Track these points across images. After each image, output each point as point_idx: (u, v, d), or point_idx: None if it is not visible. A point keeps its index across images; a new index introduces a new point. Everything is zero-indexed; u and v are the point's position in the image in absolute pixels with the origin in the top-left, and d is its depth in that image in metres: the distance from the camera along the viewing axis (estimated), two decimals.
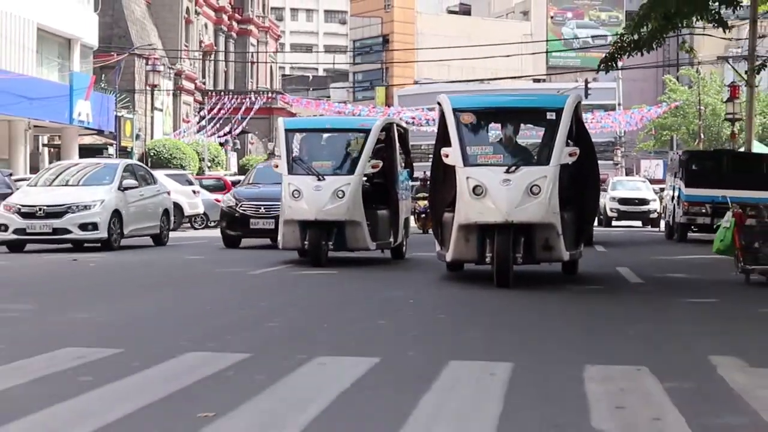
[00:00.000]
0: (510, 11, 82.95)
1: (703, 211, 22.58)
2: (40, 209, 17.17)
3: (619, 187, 36.15)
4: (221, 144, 51.18)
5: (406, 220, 15.74)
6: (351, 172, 13.61)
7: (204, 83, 55.41)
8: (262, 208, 17.68)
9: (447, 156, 10.72)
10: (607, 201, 33.23)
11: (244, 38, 60.72)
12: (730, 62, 36.37)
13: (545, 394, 4.68)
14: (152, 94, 46.13)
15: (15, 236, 17.12)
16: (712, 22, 23.33)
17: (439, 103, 11.33)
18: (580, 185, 11.43)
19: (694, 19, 23.54)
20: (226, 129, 51.21)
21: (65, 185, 18.51)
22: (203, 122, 50.38)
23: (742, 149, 32.64)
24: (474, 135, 11.09)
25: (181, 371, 5.16)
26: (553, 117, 10.87)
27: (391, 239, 14.61)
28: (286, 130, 14.10)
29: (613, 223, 34.68)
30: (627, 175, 64.78)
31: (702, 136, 48.67)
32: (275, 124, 15.22)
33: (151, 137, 46.36)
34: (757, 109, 47.30)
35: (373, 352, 5.78)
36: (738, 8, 23.01)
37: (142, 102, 46.08)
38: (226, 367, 5.26)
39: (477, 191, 10.26)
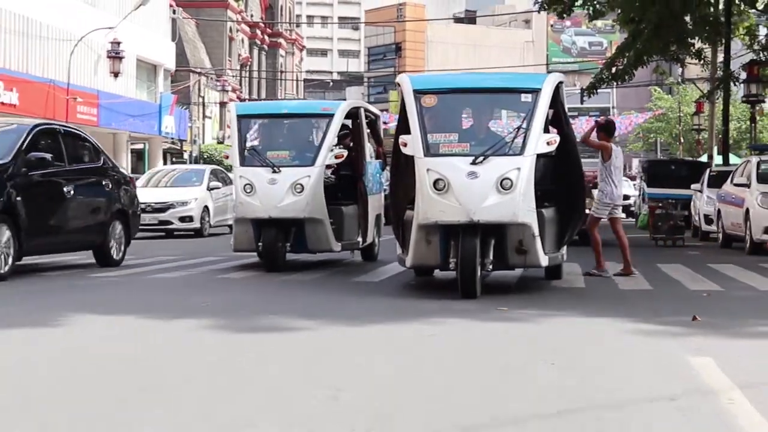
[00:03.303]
0: (513, 19, 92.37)
1: (660, 205, 31.95)
2: (148, 205, 21.51)
3: None
4: None
5: (378, 216, 14.79)
6: (311, 163, 12.65)
7: (241, 92, 64.70)
8: None
9: (405, 145, 9.81)
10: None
11: (274, 50, 70.14)
12: (696, 84, 45.63)
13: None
14: (203, 105, 55.45)
15: None
16: (671, 60, 32.53)
17: (398, 84, 10.52)
18: (563, 178, 10.81)
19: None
20: None
21: (166, 186, 23.98)
22: None
23: (704, 156, 41.85)
24: (437, 120, 10.12)
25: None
26: (529, 99, 10.00)
27: (359, 239, 13.70)
28: (238, 116, 13.18)
29: None
30: None
31: (682, 140, 58.16)
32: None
33: (203, 142, 55.61)
34: (734, 115, 56.81)
35: None
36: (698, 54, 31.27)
37: (195, 111, 55.37)
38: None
39: (438, 186, 9.36)
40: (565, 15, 26.43)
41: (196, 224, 22.59)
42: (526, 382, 5.49)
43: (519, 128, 9.91)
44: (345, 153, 13.17)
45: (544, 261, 9.89)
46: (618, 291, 10.71)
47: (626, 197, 44.41)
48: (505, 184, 9.38)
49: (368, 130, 14.77)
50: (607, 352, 6.62)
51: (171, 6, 46.61)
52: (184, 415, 4.62)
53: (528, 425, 4.41)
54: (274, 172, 12.47)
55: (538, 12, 25.78)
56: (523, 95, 10.19)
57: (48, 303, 9.25)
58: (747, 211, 16.96)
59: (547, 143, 9.84)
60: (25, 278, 11.87)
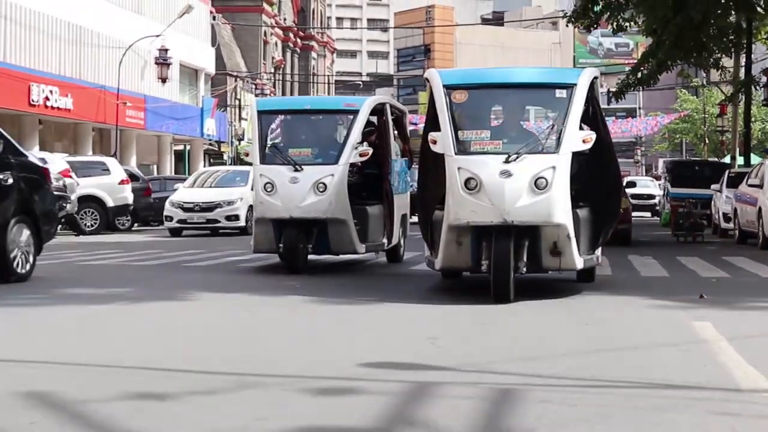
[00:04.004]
0: (540, 21, 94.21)
1: (682, 204, 33.75)
2: (197, 205, 23.61)
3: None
4: None
5: (404, 216, 14.48)
6: (335, 161, 12.33)
7: (275, 94, 66.88)
8: None
9: (435, 142, 9.60)
10: None
11: (306, 53, 72.37)
12: (719, 87, 47.26)
13: None
14: (240, 107, 57.62)
15: (178, 225, 23.88)
16: (696, 65, 34.16)
17: (427, 80, 10.20)
18: (597, 177, 10.52)
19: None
20: None
21: (211, 186, 25.12)
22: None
23: (728, 157, 43.52)
24: (468, 117, 9.95)
25: None
26: (564, 95, 9.80)
27: (384, 240, 13.43)
28: (259, 112, 12.87)
29: None
30: (647, 171, 76.46)
31: (707, 141, 59.85)
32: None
33: (239, 143, 57.78)
34: (758, 116, 58.43)
35: None
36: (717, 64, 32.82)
37: (231, 114, 57.55)
38: None
39: (470, 185, 9.19)
40: (592, 28, 28.21)
41: (242, 223, 23.71)
42: (567, 335, 7.44)
43: (554, 125, 9.79)
44: (370, 151, 12.80)
45: (579, 263, 9.69)
46: (640, 277, 12.62)
47: (651, 197, 46.53)
48: (539, 184, 9.19)
49: (395, 129, 14.47)
50: (628, 317, 8.54)
51: (211, 12, 48.78)
52: (341, 346, 6.61)
53: (570, 359, 6.34)
54: (296, 170, 12.18)
55: (566, 26, 27.57)
56: (557, 90, 10.01)
57: (164, 284, 11.22)
58: (759, 209, 18.78)
59: (583, 141, 9.59)
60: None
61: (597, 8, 25.67)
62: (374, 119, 13.75)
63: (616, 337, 7.32)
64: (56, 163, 24.05)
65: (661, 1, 22.92)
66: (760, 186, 19.42)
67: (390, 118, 13.92)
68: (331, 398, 5.10)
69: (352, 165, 12.62)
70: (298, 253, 12.26)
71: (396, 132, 14.51)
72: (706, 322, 8.01)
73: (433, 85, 9.93)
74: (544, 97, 10.67)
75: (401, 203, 14.20)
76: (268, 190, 12.12)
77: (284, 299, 9.75)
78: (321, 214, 12.10)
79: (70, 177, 23.45)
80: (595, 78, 10.31)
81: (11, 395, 5.01)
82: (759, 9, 28.50)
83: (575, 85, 9.80)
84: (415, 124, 38.16)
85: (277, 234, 12.25)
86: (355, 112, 12.78)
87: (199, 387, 5.28)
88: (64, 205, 22.26)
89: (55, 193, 21.37)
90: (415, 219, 14.76)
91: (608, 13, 25.69)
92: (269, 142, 12.73)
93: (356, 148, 12.51)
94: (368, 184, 13.46)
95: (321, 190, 12.03)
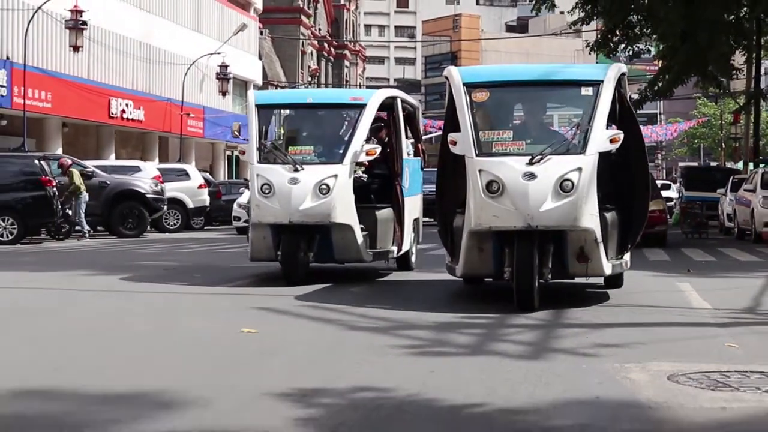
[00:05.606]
0: (564, 28, 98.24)
1: (690, 206, 37.88)
2: None
3: None
4: None
5: (416, 220, 13.83)
6: (339, 160, 11.62)
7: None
8: None
9: (454, 143, 9.40)
10: None
11: (339, 61, 77.02)
12: (734, 98, 51.30)
13: None
14: None
15: (245, 224, 23.41)
16: (710, 80, 38.18)
17: (446, 78, 9.88)
18: (626, 179, 10.32)
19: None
20: None
21: None
22: None
23: (740, 163, 47.44)
24: (489, 116, 9.80)
25: None
26: (590, 93, 9.58)
27: (394, 247, 12.67)
28: (257, 106, 12.08)
29: None
30: (667, 175, 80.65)
31: (723, 146, 64.01)
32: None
33: None
34: None
35: None
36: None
37: None
38: None
39: (492, 188, 8.99)
40: (611, 56, 32.46)
41: None
42: (593, 291, 11.75)
43: (579, 124, 9.58)
44: (378, 148, 12.02)
45: (608, 269, 9.62)
46: (648, 261, 16.91)
47: (669, 200, 50.64)
48: (565, 186, 9.00)
49: (407, 126, 13.68)
50: (635, 281, 12.72)
51: (259, 28, 53.34)
52: (444, 306, 10.97)
53: (593, 299, 10.66)
54: (296, 170, 11.41)
55: (589, 54, 31.83)
56: (583, 88, 9.76)
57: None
58: (752, 210, 23.01)
59: (611, 140, 9.34)
60: None
61: (615, 38, 29.98)
62: (384, 115, 13.07)
63: (624, 289, 11.64)
64: (149, 170, 28.74)
65: (671, 31, 27.08)
66: (754, 190, 23.62)
67: (401, 113, 13.12)
68: (456, 320, 9.47)
69: (358, 164, 11.93)
70: (297, 261, 11.63)
71: (408, 129, 13.78)
72: (686, 283, 12.31)
73: (452, 83, 9.75)
74: (569, 95, 10.39)
75: (413, 206, 13.54)
76: (266, 192, 11.40)
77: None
78: (323, 219, 11.44)
79: (163, 182, 27.75)
80: (623, 74, 10.13)
81: (295, 305, 9.46)
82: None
83: (602, 81, 9.63)
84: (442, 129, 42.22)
85: (276, 240, 11.61)
86: (362, 107, 12.05)
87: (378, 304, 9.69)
88: (162, 206, 26.74)
89: (153, 195, 26.20)
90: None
91: (625, 43, 30.01)
92: (268, 140, 12.13)
93: (363, 145, 11.83)
94: (377, 185, 12.89)
95: (323, 192, 11.36)
